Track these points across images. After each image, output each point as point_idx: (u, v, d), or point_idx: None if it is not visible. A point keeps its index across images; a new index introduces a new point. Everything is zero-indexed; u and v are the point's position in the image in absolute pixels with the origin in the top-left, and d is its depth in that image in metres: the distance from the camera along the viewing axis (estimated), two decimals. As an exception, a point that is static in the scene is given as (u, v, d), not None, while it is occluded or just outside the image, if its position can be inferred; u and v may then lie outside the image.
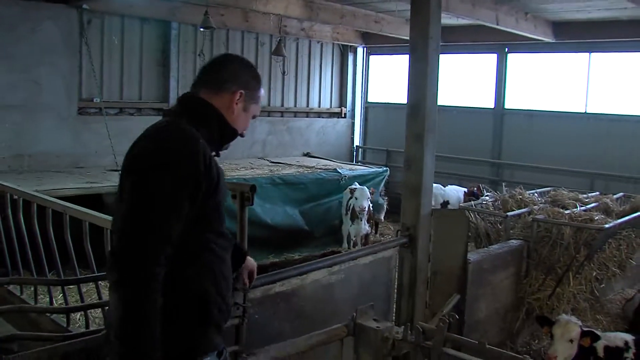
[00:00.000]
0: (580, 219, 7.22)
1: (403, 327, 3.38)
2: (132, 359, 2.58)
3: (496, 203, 8.27)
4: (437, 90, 5.44)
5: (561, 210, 7.56)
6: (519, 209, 7.81)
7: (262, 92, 3.29)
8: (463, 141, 14.77)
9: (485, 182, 13.22)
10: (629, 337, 6.68)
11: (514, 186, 9.35)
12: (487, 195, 9.31)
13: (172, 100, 13.35)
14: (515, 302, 7.10)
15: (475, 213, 7.95)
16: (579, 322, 6.38)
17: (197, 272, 2.88)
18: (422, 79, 5.32)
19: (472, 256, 6.23)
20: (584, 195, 8.89)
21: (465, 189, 12.28)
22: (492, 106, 14.80)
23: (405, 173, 5.61)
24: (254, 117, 3.29)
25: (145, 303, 2.59)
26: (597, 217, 7.38)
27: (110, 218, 5.17)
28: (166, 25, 13.06)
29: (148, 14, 12.59)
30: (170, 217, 2.71)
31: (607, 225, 7.00)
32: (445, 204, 12.50)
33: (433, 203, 11.07)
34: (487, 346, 3.17)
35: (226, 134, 3.16)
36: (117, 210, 2.83)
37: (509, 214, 7.44)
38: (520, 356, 2.96)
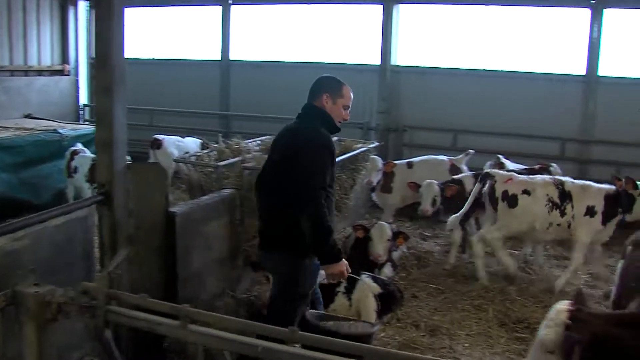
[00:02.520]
0: (291, 164, 7.33)
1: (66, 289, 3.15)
2: (327, 246, 4.92)
3: (212, 154, 8.19)
4: (124, 41, 5.18)
5: (273, 157, 7.62)
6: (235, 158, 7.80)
7: (346, 89, 5.32)
8: (191, 94, 14.62)
9: (215, 134, 13.15)
10: (340, 274, 7.03)
11: (244, 137, 9.36)
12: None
13: None
14: (233, 251, 7.08)
15: (189, 165, 7.82)
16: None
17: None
18: (108, 30, 5.02)
19: (180, 208, 6.09)
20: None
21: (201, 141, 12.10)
22: (219, 58, 14.74)
23: (96, 128, 5.29)
24: (345, 107, 5.31)
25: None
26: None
27: None
28: None
29: None
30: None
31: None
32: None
33: (177, 153, 10.92)
34: (148, 299, 3.04)
35: (328, 122, 5.24)
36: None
37: (220, 163, 7.39)
38: (170, 304, 2.87)
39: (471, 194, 8.69)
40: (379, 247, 7.91)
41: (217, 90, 14.69)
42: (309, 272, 5.28)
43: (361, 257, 8.05)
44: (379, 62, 13.16)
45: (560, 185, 8.35)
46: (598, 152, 12.64)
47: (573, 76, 12.63)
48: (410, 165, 10.38)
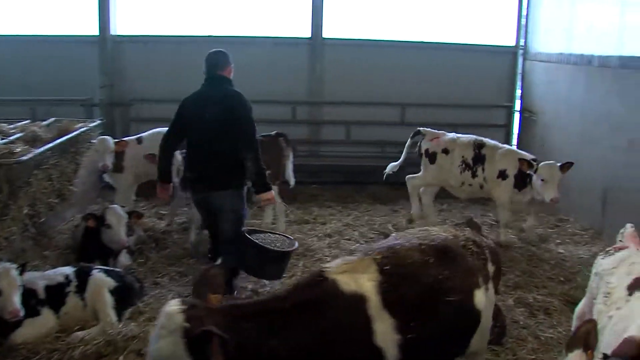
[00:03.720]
0: (-3, 153, 6.39)
1: None
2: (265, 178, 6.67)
3: None
4: None
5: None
6: None
7: None
8: None
9: None
10: (69, 270, 6.41)
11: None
12: None
13: None
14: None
15: None
16: (14, 265, 5.76)
17: None
18: None
19: None
20: (11, 126, 8.05)
21: None
22: None
23: None
24: None
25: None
26: (19, 148, 6.64)
27: None
28: None
29: None
30: None
31: (25, 157, 6.35)
32: None
33: None
34: None
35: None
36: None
37: None
38: None
39: (405, 148, 9.89)
40: (121, 233, 7.36)
41: None
42: (244, 200, 6.91)
43: (94, 247, 7.42)
44: (97, 33, 12.15)
45: (478, 148, 9.18)
46: (328, 113, 12.91)
47: (299, 39, 12.70)
48: (139, 140, 9.76)
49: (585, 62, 10.36)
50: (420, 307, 3.99)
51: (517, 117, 13.16)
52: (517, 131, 13.11)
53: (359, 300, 3.83)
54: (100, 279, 6.26)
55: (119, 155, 9.29)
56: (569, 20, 11.08)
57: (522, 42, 12.95)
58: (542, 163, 8.56)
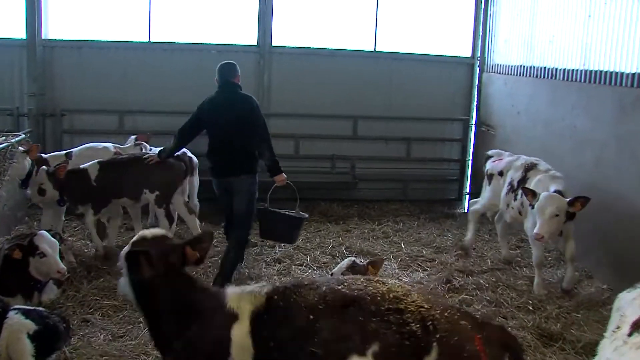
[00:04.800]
0: None
1: None
2: (277, 164, 8.06)
3: None
4: None
5: None
6: None
7: None
8: None
9: None
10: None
11: None
12: None
13: None
14: None
15: None
16: None
17: None
18: None
19: None
20: None
21: None
22: None
23: None
24: None
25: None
26: None
27: None
28: None
29: None
30: None
31: None
32: None
33: None
34: None
35: None
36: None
37: None
38: None
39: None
40: (58, 260, 6.44)
41: None
42: (257, 183, 8.01)
43: (15, 279, 6.46)
44: (24, 36, 11.13)
45: (527, 170, 8.45)
46: (276, 126, 12.20)
47: (246, 46, 12.05)
48: (69, 155, 8.90)
49: (548, 75, 9.94)
50: (281, 348, 3.75)
51: (473, 131, 12.72)
52: (473, 145, 12.65)
53: (230, 316, 3.84)
54: (17, 322, 5.34)
55: (42, 170, 8.43)
56: (530, 31, 10.69)
57: (478, 54, 12.48)
58: (542, 193, 7.62)
